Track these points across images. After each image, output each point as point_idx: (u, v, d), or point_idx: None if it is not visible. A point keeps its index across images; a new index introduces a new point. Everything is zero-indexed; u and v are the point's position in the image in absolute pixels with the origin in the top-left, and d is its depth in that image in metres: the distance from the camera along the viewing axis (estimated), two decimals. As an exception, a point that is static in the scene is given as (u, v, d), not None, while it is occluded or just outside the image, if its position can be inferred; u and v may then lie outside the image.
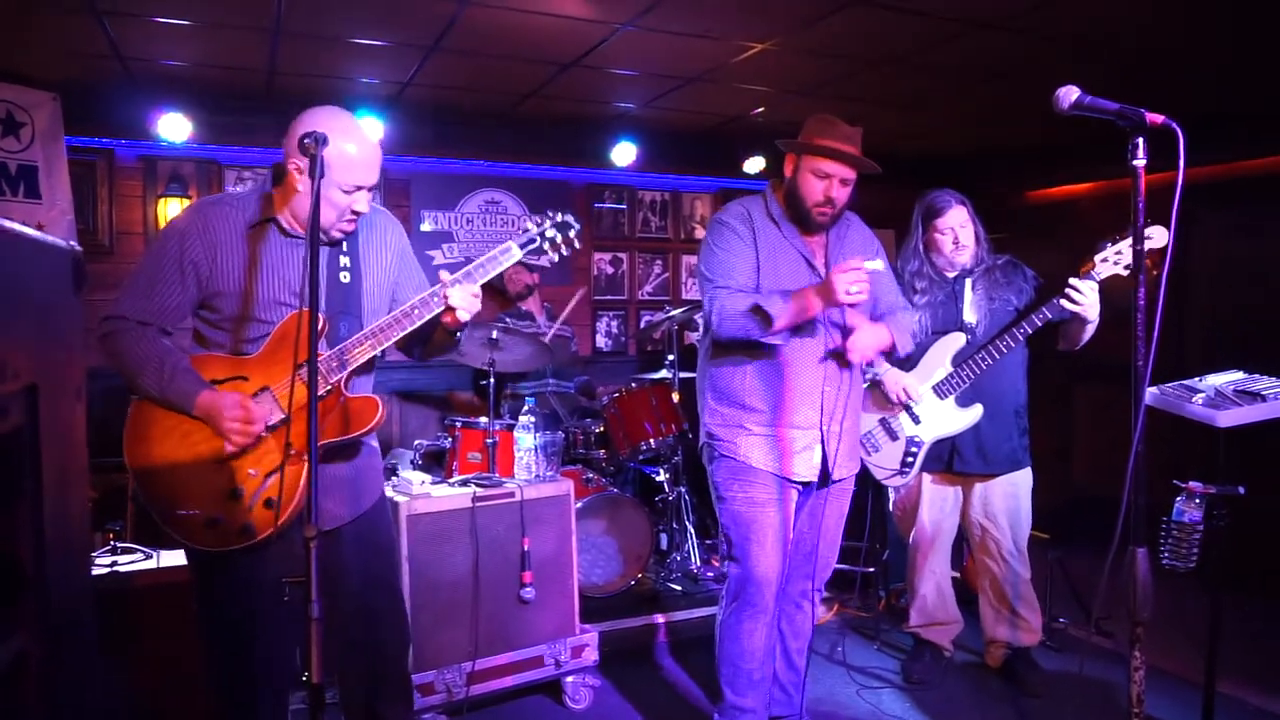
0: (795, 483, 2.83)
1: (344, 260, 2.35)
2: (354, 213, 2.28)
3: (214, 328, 2.29)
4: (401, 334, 2.30)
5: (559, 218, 2.53)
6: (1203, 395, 2.78)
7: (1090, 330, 3.28)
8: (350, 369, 2.27)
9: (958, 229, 3.43)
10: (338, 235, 2.31)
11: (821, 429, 2.81)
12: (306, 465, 2.08)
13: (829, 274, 2.62)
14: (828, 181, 2.73)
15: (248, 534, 2.17)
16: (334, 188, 2.20)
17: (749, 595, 2.82)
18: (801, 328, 2.75)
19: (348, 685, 2.54)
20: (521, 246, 2.45)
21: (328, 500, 2.30)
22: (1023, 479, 3.55)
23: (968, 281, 3.47)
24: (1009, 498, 3.53)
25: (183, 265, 2.22)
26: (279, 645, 2.36)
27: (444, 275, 2.30)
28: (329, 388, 2.25)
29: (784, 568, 2.86)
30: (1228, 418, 2.66)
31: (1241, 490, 2.61)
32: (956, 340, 3.41)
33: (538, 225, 2.50)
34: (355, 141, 2.25)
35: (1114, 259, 3.14)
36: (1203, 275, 5.52)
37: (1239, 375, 2.90)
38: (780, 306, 2.65)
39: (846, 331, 2.82)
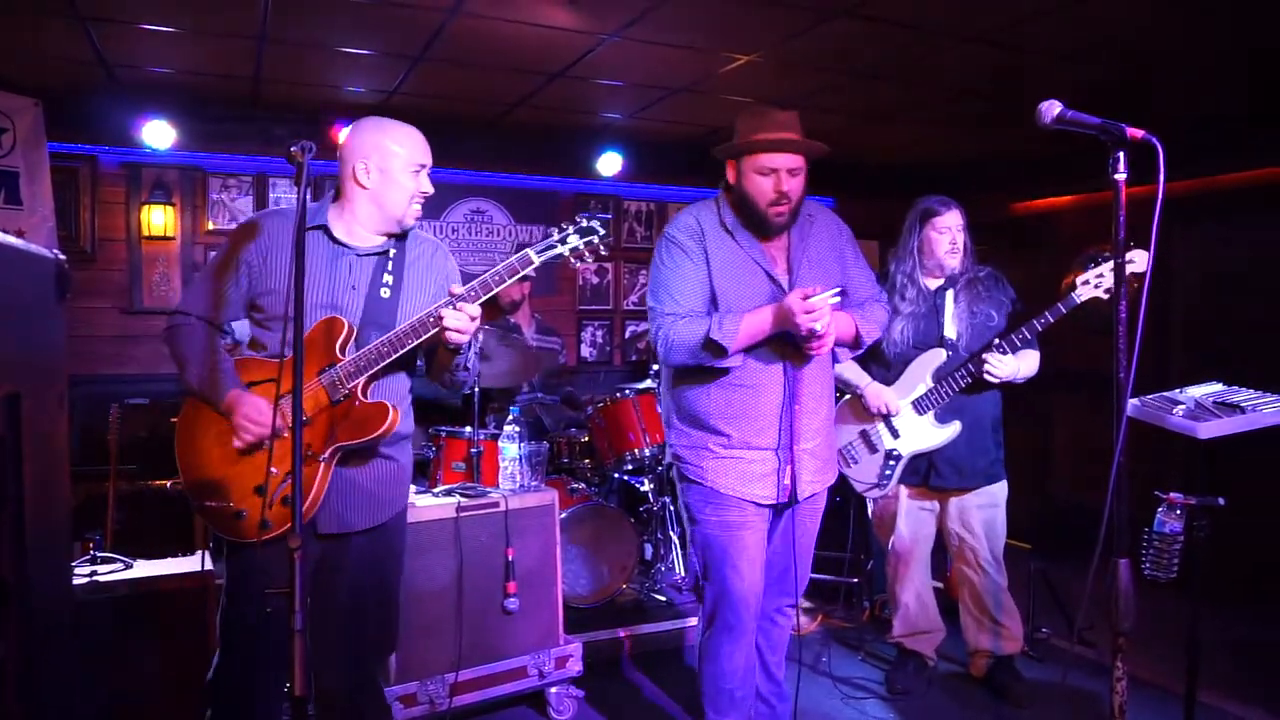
0: (764, 505, 2.72)
1: (387, 277, 2.43)
2: (423, 194, 2.41)
3: (262, 329, 2.41)
4: (400, 351, 2.32)
5: (584, 223, 2.43)
6: (1183, 407, 2.81)
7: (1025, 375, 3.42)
8: (364, 377, 2.32)
9: (955, 230, 3.46)
10: (411, 223, 2.44)
11: (790, 450, 2.67)
12: (321, 467, 2.25)
13: (786, 300, 2.47)
14: (774, 176, 2.57)
15: (267, 528, 2.26)
16: (403, 173, 2.36)
17: (726, 617, 2.74)
18: (762, 345, 2.62)
19: (323, 685, 2.53)
20: (539, 253, 2.40)
21: (341, 504, 2.37)
22: (999, 490, 3.58)
23: (949, 294, 3.50)
24: (985, 509, 3.56)
25: (236, 263, 2.36)
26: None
27: (454, 289, 2.32)
28: (345, 392, 2.31)
29: (757, 589, 2.76)
30: (1208, 429, 2.69)
31: (1222, 501, 2.63)
32: (937, 356, 3.44)
33: (560, 232, 2.43)
34: (400, 129, 2.40)
35: (1095, 282, 3.19)
36: (1183, 287, 5.57)
37: (1219, 387, 2.92)
38: (732, 334, 2.52)
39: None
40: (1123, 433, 1.81)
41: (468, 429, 3.75)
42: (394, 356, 2.33)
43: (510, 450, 3.61)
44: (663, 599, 4.49)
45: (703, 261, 2.65)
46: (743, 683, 2.80)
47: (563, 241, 2.42)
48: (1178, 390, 2.93)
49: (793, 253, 2.71)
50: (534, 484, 3.63)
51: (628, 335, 6.54)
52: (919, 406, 3.45)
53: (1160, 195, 1.78)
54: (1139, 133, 1.82)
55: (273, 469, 2.26)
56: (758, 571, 2.73)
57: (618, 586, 4.37)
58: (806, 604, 4.40)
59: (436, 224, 5.86)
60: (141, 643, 3.02)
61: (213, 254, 2.49)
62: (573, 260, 2.45)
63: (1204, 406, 2.78)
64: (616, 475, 4.84)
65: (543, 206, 6.23)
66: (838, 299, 2.52)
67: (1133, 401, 2.83)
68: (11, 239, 1.02)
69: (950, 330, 3.46)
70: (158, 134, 4.79)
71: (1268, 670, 3.99)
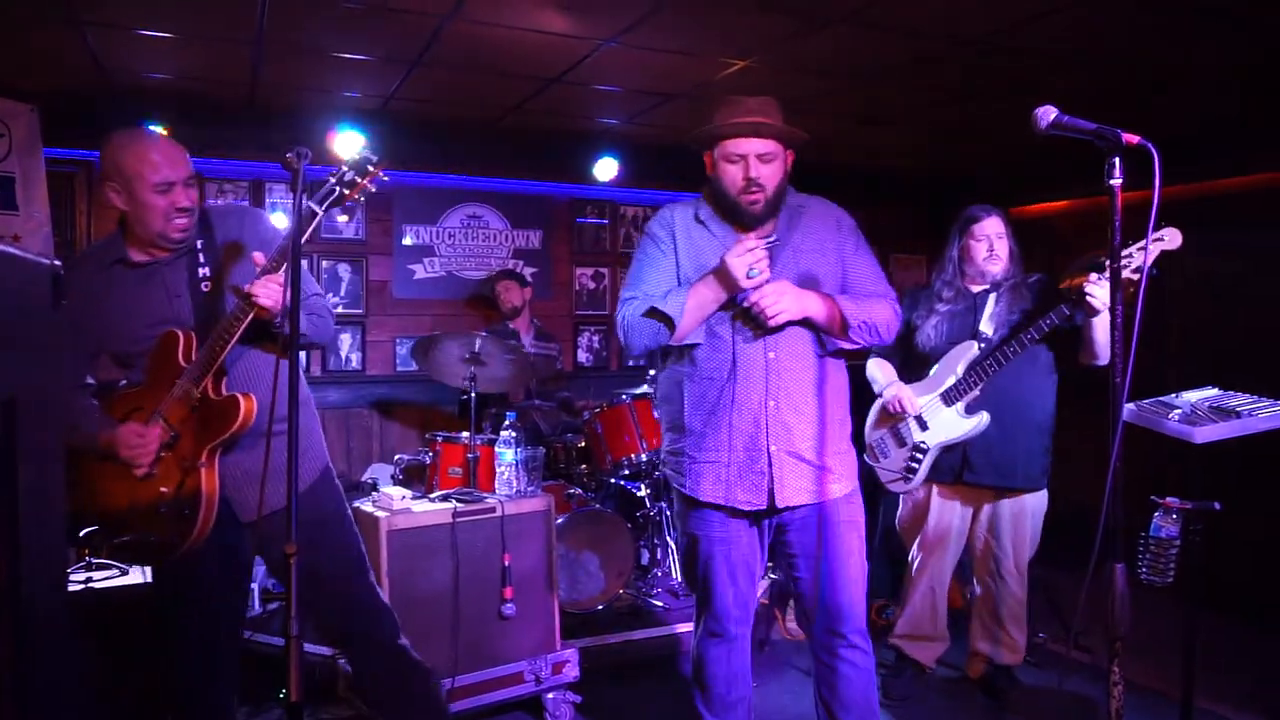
0: (747, 513, 2.56)
1: (202, 271, 2.42)
2: (179, 210, 2.33)
3: (122, 365, 2.46)
4: (231, 341, 2.28)
5: (356, 155, 2.35)
6: (1179, 411, 2.81)
7: (1104, 338, 3.10)
8: (209, 378, 2.32)
9: (993, 237, 3.43)
10: (178, 236, 2.37)
11: (766, 449, 2.49)
12: (203, 474, 2.30)
13: (724, 255, 2.39)
14: (743, 163, 2.46)
15: (178, 543, 2.31)
16: (147, 192, 2.29)
17: (710, 624, 2.71)
18: (734, 336, 2.49)
19: (341, 640, 2.82)
20: (319, 202, 2.32)
21: (247, 491, 2.40)
22: (1033, 501, 3.52)
23: (991, 296, 3.46)
24: (1017, 518, 3.51)
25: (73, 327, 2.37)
26: (219, 642, 2.52)
27: (256, 257, 2.31)
28: (197, 396, 2.32)
29: (745, 598, 2.67)
30: (1204, 434, 2.69)
31: (1217, 506, 2.64)
32: (969, 349, 3.40)
33: (335, 174, 2.33)
34: (140, 143, 2.34)
35: (1136, 256, 3.09)
36: (1179, 292, 5.59)
37: (1215, 392, 2.93)
38: (679, 304, 2.43)
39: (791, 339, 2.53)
40: (1119, 437, 1.81)
41: (464, 434, 3.75)
42: (228, 348, 2.30)
43: (507, 455, 3.61)
44: (659, 604, 4.49)
45: (671, 251, 2.58)
46: (732, 686, 2.78)
47: (340, 180, 2.32)
48: (1174, 395, 2.94)
49: (775, 237, 2.55)
50: (530, 489, 3.63)
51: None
52: (947, 397, 3.41)
53: (1156, 200, 1.79)
54: (1134, 138, 1.83)
55: (163, 488, 2.32)
56: (742, 582, 2.64)
57: (614, 592, 4.36)
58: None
59: (433, 228, 5.86)
60: (136, 649, 3.02)
61: None
62: (355, 195, 2.34)
63: (1200, 411, 2.79)
64: (613, 480, 4.84)
65: (539, 211, 6.23)
66: (775, 244, 2.44)
67: (1129, 406, 2.83)
68: (7, 246, 1.02)
69: (986, 326, 3.41)
70: (154, 139, 4.78)
71: (1263, 675, 3.99)
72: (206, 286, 2.41)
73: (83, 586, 3.22)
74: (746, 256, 2.34)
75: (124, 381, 2.46)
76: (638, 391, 4.86)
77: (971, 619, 3.74)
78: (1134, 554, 2.68)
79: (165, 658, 2.49)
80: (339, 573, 2.56)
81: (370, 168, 2.34)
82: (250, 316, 2.27)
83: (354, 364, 5.64)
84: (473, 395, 3.94)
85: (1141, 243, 2.77)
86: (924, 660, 3.76)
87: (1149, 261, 2.64)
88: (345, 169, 2.33)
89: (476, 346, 3.95)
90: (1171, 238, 2.87)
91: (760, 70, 4.21)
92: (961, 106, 4.83)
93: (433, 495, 3.51)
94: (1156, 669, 3.67)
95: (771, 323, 2.42)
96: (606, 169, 5.94)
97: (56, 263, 1.17)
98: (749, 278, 2.35)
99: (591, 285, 6.49)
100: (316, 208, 2.31)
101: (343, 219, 5.62)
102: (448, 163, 5.77)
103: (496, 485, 3.60)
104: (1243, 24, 3.54)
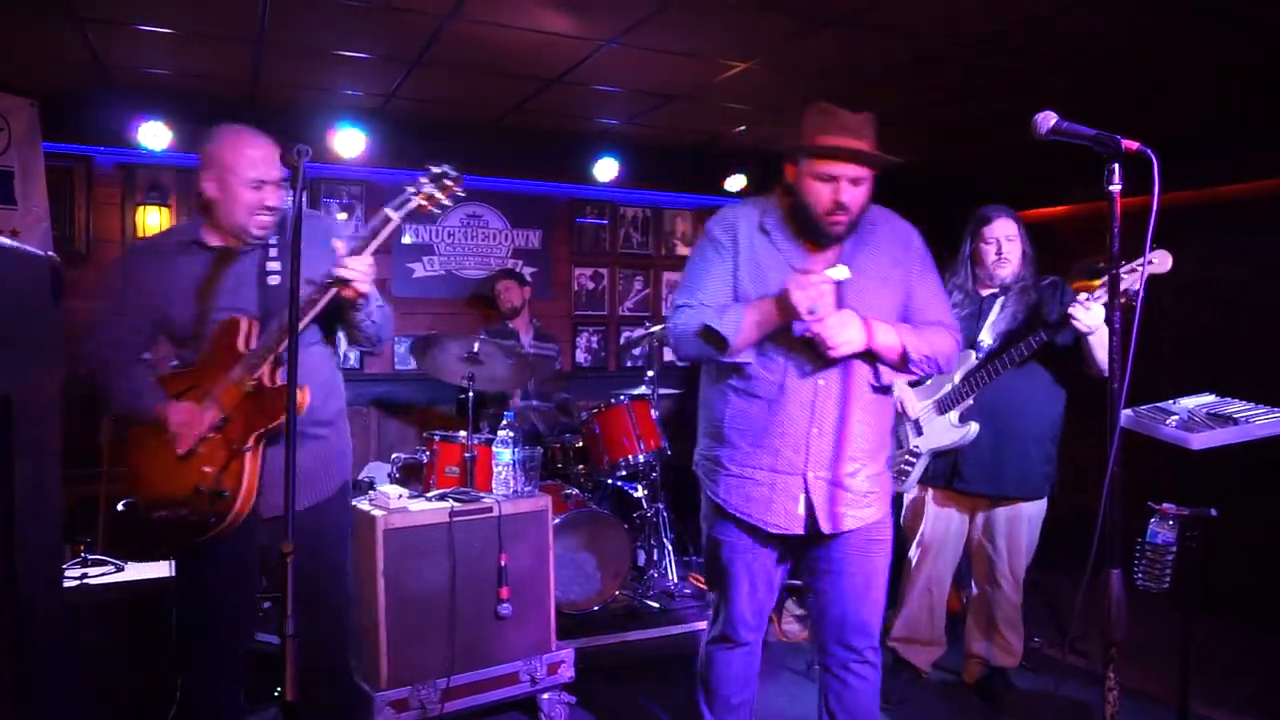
0: (776, 535, 2.49)
1: (271, 264, 2.50)
2: (266, 208, 2.44)
3: (179, 346, 2.54)
4: (301, 324, 2.33)
5: (434, 170, 2.48)
6: (1176, 418, 2.82)
7: (1104, 355, 3.00)
8: (268, 363, 2.40)
9: (1003, 240, 3.41)
10: (258, 233, 2.47)
11: (804, 475, 2.41)
12: (248, 458, 2.36)
13: (786, 283, 2.28)
14: (834, 185, 2.31)
15: (213, 525, 2.37)
16: (241, 187, 2.40)
17: (725, 629, 2.68)
18: (786, 361, 2.40)
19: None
20: (397, 209, 2.43)
21: (273, 492, 2.43)
22: (1030, 508, 3.51)
23: (998, 301, 3.45)
24: (1012, 524, 3.51)
25: (138, 305, 2.50)
26: (232, 637, 2.54)
27: (336, 244, 2.37)
28: (253, 382, 2.39)
29: (762, 605, 2.64)
30: (1200, 440, 2.70)
31: (1214, 512, 2.64)
32: (967, 358, 3.40)
33: (414, 186, 2.47)
34: (243, 140, 2.43)
35: (1126, 279, 3.10)
36: (1177, 298, 5.59)
37: (1212, 398, 2.93)
38: (734, 324, 2.34)
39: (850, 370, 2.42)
40: (1116, 443, 1.81)
41: (462, 433, 3.74)
42: (298, 330, 2.30)
43: (504, 455, 3.61)
44: (655, 605, 4.48)
45: (730, 256, 2.46)
46: (739, 690, 2.77)
47: (418, 193, 2.45)
48: (1171, 401, 2.94)
49: (841, 260, 2.40)
50: (528, 489, 3.63)
51: (622, 341, 6.54)
52: (941, 405, 3.43)
53: (1155, 207, 1.79)
54: (1134, 144, 1.83)
55: (206, 468, 2.38)
56: (761, 591, 2.60)
57: (611, 593, 4.36)
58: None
59: (432, 227, 5.86)
60: (133, 645, 3.01)
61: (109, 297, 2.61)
62: (431, 208, 2.48)
63: (1197, 418, 2.79)
64: (610, 481, 4.83)
65: (539, 211, 6.23)
66: (846, 276, 2.29)
67: (1126, 412, 2.84)
68: (6, 240, 1.02)
69: (986, 335, 3.41)
70: (154, 135, 4.78)
71: (1259, 681, 3.99)
72: (274, 280, 2.47)
73: (78, 583, 3.21)
74: (812, 293, 2.23)
75: (174, 362, 2.54)
76: (635, 392, 4.86)
77: (967, 622, 3.74)
78: (1130, 559, 2.68)
79: (166, 654, 2.51)
80: (326, 590, 2.57)
81: (448, 181, 2.46)
82: (328, 296, 2.36)
83: (352, 361, 5.62)
84: (471, 395, 3.93)
85: (1132, 264, 2.77)
86: (920, 664, 3.76)
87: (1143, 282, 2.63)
88: (424, 181, 2.44)
89: (475, 346, 3.95)
90: (1161, 260, 2.88)
91: (761, 71, 4.21)
92: (961, 107, 4.83)
93: (430, 494, 3.51)
94: (1153, 674, 3.67)
95: (833, 354, 2.32)
96: (607, 169, 5.94)
97: (55, 257, 1.17)
98: (811, 313, 2.24)
99: (590, 286, 6.49)
100: (394, 214, 2.41)
101: (341, 216, 5.61)
102: (447, 161, 5.75)
103: (494, 485, 3.60)
104: (1243, 24, 3.53)
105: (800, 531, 2.45)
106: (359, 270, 2.34)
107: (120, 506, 2.50)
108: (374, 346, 2.71)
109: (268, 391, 2.40)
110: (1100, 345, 3.11)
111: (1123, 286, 2.96)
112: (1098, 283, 3.18)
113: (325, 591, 2.57)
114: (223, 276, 2.47)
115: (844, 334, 2.30)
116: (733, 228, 2.49)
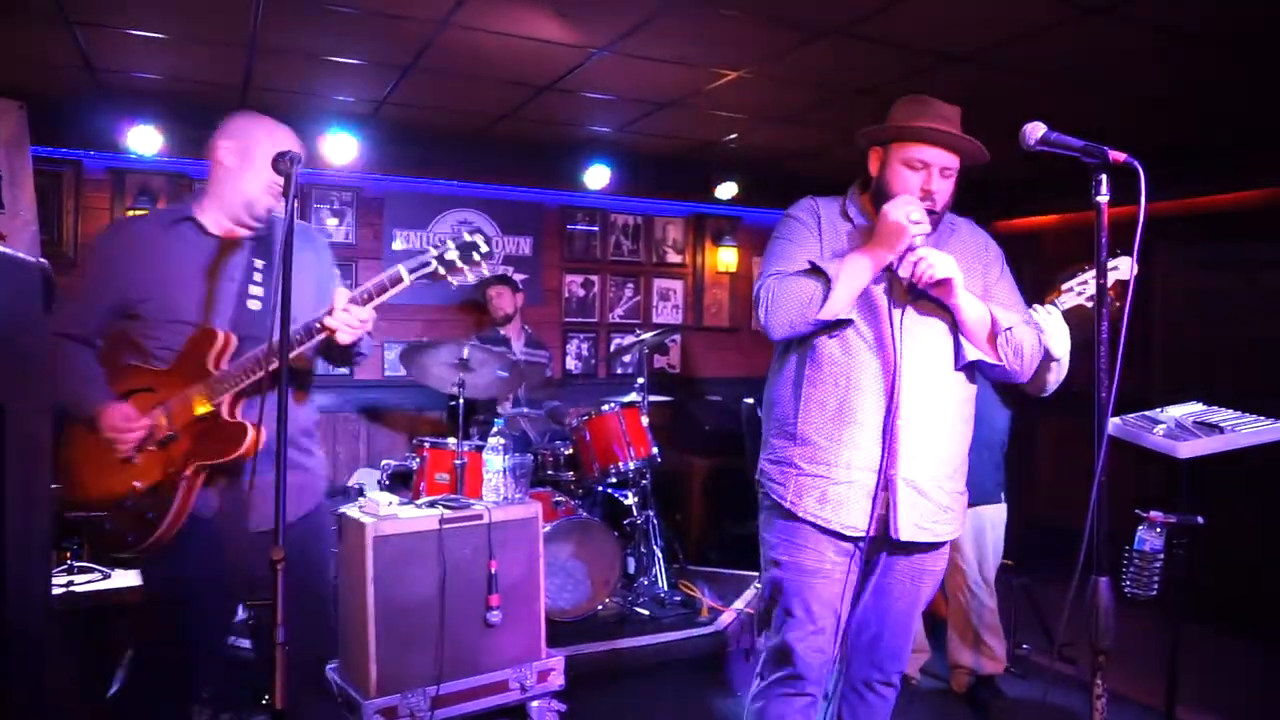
0: (850, 539, 2.30)
1: (254, 289, 2.36)
2: (279, 187, 2.29)
3: (142, 335, 2.32)
4: (271, 365, 2.17)
5: (465, 238, 2.31)
6: (1163, 427, 2.83)
7: (1055, 371, 2.97)
8: (231, 393, 2.24)
9: None
10: (263, 213, 2.37)
11: (883, 473, 2.25)
12: (183, 486, 2.21)
13: (882, 210, 2.19)
14: (925, 172, 2.25)
15: (133, 542, 2.25)
16: (263, 158, 2.22)
17: (789, 680, 2.37)
18: (868, 335, 2.28)
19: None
20: (411, 271, 2.28)
21: (261, 504, 2.27)
22: (991, 513, 3.56)
23: None
24: (975, 530, 3.55)
25: (109, 275, 2.33)
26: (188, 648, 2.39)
27: (337, 298, 2.26)
28: (210, 408, 2.24)
29: (836, 648, 2.39)
30: (1187, 449, 2.72)
31: (1201, 520, 2.66)
32: None
33: (438, 248, 2.30)
34: (272, 122, 2.40)
35: (1079, 289, 3.18)
36: (1164, 308, 5.63)
37: (1199, 407, 2.95)
38: (835, 268, 2.20)
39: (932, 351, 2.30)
40: (1103, 451, 1.82)
41: (451, 440, 3.74)
42: (265, 372, 2.19)
43: (494, 462, 3.60)
44: (646, 613, 4.48)
45: (816, 233, 2.37)
46: None
47: (439, 259, 2.29)
48: (1158, 410, 2.96)
49: None
50: (518, 496, 3.62)
51: (613, 348, 6.54)
52: None
53: (1141, 218, 1.80)
54: (1121, 156, 1.84)
55: (136, 483, 2.24)
56: (834, 627, 2.36)
57: (601, 600, 4.36)
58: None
59: (423, 234, 5.86)
60: (117, 653, 2.99)
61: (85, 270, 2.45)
62: (450, 278, 2.31)
63: (1184, 426, 2.81)
64: (600, 489, 4.84)
65: (530, 218, 6.24)
66: (929, 230, 2.21)
67: (1114, 421, 2.85)
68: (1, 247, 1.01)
69: None
70: (143, 140, 4.77)
71: (1246, 688, 4.02)
72: (254, 305, 2.34)
73: (64, 590, 3.19)
74: (908, 203, 2.17)
75: (133, 361, 2.34)
76: (626, 400, 4.86)
77: (949, 634, 3.76)
78: (1118, 567, 2.69)
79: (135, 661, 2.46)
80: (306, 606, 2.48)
81: (476, 255, 2.28)
82: (314, 342, 2.26)
83: (342, 368, 5.62)
84: (461, 401, 3.93)
85: (1086, 276, 2.81)
86: (907, 671, 3.77)
87: (1130, 279, 2.64)
88: (450, 244, 2.29)
89: (465, 352, 3.95)
90: (1124, 266, 2.90)
91: (752, 81, 4.23)
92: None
93: (419, 501, 3.50)
94: (1141, 681, 3.68)
95: (930, 276, 2.18)
96: (598, 177, 5.95)
97: (46, 263, 1.16)
98: (912, 220, 2.15)
99: (581, 293, 6.49)
100: (407, 276, 2.27)
101: (332, 223, 5.60)
102: (439, 168, 5.77)
103: (484, 492, 3.59)
104: (1226, 43, 3.57)
105: (873, 532, 2.29)
106: (355, 321, 2.23)
107: (67, 517, 2.35)
108: (339, 366, 2.67)
109: (222, 425, 2.24)
110: (1054, 363, 3.03)
111: (1077, 290, 3.01)
112: (1062, 287, 3.22)
113: (308, 602, 2.45)
114: (207, 260, 2.32)
115: (941, 259, 2.19)
116: (815, 212, 2.42)
